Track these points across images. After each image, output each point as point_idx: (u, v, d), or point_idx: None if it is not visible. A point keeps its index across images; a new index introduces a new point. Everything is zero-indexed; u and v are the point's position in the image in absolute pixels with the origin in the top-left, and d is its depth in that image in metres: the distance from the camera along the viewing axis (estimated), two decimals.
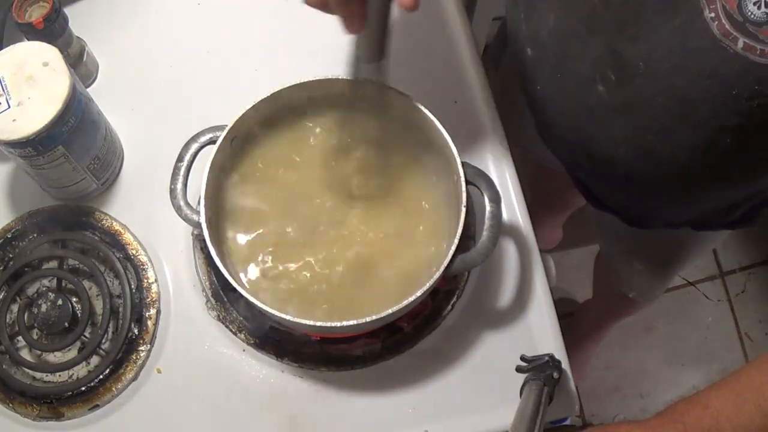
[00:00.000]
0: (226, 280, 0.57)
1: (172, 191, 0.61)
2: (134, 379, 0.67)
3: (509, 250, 0.71)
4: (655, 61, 0.51)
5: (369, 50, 0.57)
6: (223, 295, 0.68)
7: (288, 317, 0.56)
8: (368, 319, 0.56)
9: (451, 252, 0.57)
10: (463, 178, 0.59)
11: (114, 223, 0.72)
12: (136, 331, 0.68)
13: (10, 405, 0.65)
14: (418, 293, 0.56)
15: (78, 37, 0.75)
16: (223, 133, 0.61)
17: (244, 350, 0.68)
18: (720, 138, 0.52)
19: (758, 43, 0.45)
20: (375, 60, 0.57)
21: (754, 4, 0.44)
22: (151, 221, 0.72)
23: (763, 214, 0.70)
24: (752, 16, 0.45)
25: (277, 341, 0.67)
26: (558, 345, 0.68)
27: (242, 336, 0.67)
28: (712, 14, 0.46)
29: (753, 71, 0.46)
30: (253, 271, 0.62)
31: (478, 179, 0.60)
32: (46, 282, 0.70)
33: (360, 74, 0.59)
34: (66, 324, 0.66)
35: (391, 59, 0.58)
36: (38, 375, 0.67)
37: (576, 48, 0.57)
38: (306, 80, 0.63)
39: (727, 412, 0.49)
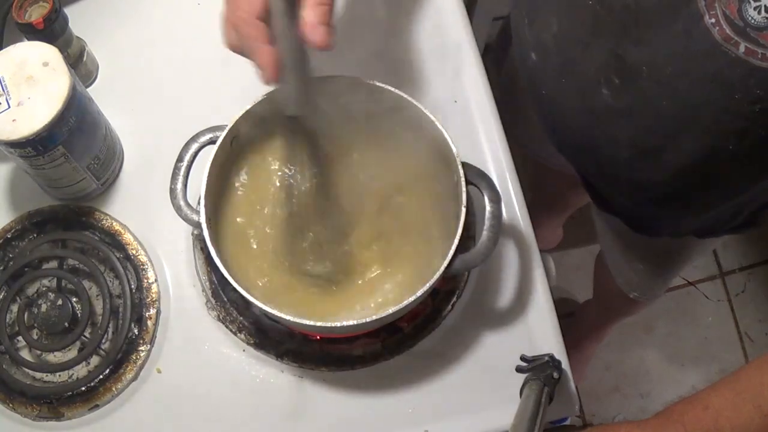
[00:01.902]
0: (226, 280, 0.57)
1: (172, 191, 0.61)
2: (134, 379, 0.67)
3: (509, 250, 0.71)
4: (658, 65, 0.51)
5: (295, 103, 0.53)
6: (223, 295, 0.68)
7: (288, 317, 0.56)
8: (368, 319, 0.56)
9: (451, 252, 0.57)
10: (463, 178, 0.59)
11: (114, 223, 0.72)
12: (136, 331, 0.68)
13: (10, 405, 0.65)
14: (418, 293, 0.56)
15: (78, 37, 0.75)
16: (223, 133, 0.61)
17: (244, 350, 0.68)
18: (723, 142, 0.52)
19: (759, 47, 0.45)
20: (303, 112, 0.53)
21: (755, 9, 0.44)
22: (151, 221, 0.72)
23: (764, 216, 0.70)
24: (753, 21, 0.45)
25: (277, 341, 0.67)
26: (558, 345, 0.68)
27: (242, 336, 0.67)
28: (713, 20, 0.46)
29: (755, 75, 0.46)
30: (254, 271, 0.62)
31: (478, 179, 0.60)
32: (46, 282, 0.70)
33: (289, 122, 0.55)
34: (66, 324, 0.66)
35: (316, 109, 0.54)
36: (38, 375, 0.67)
37: (580, 52, 0.57)
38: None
39: (726, 412, 0.49)
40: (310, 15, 0.47)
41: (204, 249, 0.70)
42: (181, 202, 0.61)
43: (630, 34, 0.52)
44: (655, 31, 0.50)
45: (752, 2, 0.44)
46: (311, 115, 0.55)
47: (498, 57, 0.96)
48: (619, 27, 0.52)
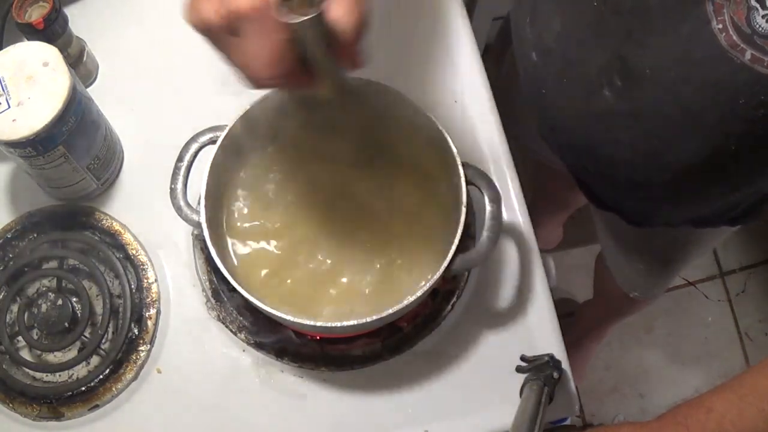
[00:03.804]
0: (226, 280, 0.57)
1: (173, 191, 0.61)
2: (134, 379, 0.67)
3: (509, 250, 0.71)
4: (661, 68, 0.51)
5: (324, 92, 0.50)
6: (223, 295, 0.68)
7: (288, 317, 0.56)
8: (368, 319, 0.56)
9: (451, 252, 0.57)
10: (463, 178, 0.59)
11: (114, 223, 0.72)
12: (136, 331, 0.68)
13: (10, 405, 0.65)
14: (418, 293, 0.56)
15: (78, 37, 0.75)
16: (224, 134, 0.61)
17: (244, 350, 0.68)
18: (725, 145, 0.52)
19: (765, 55, 0.45)
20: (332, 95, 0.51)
21: (763, 17, 0.44)
22: (151, 221, 0.72)
23: (764, 210, 0.70)
24: (760, 28, 0.44)
25: (277, 341, 0.67)
26: (558, 345, 0.68)
27: (242, 336, 0.67)
28: (720, 25, 0.46)
29: (760, 82, 0.46)
30: (254, 271, 0.62)
31: (478, 179, 0.60)
32: (46, 282, 0.70)
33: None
34: (66, 324, 0.66)
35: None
36: (38, 375, 0.67)
37: (582, 53, 0.57)
38: None
39: (730, 416, 0.48)
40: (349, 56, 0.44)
41: (204, 249, 0.70)
42: (182, 203, 0.61)
43: (634, 36, 0.51)
44: (661, 34, 0.49)
45: (760, 10, 0.44)
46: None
47: (498, 56, 0.96)
48: (623, 28, 0.52)
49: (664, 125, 0.54)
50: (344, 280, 0.62)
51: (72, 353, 0.67)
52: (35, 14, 0.69)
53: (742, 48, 0.45)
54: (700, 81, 0.49)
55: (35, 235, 0.71)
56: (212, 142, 0.62)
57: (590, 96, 0.58)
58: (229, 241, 0.63)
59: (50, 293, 0.67)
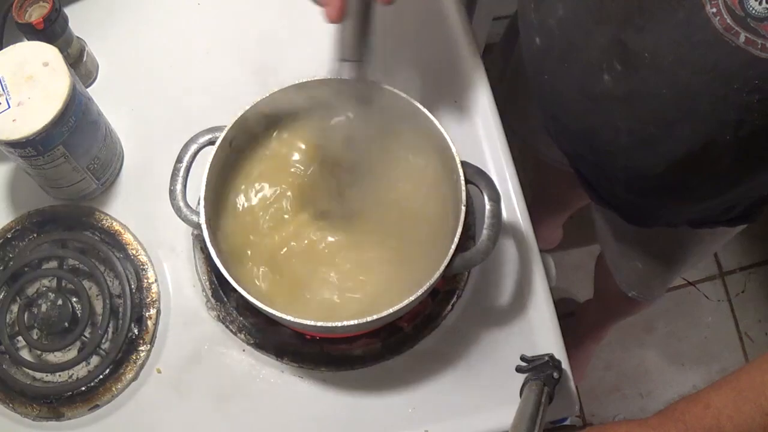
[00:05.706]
0: (226, 280, 0.57)
1: (172, 192, 0.61)
2: (134, 379, 0.67)
3: (509, 250, 0.71)
4: (659, 53, 0.51)
5: (350, 48, 0.56)
6: (223, 295, 0.68)
7: (288, 317, 0.56)
8: (368, 319, 0.56)
9: (451, 251, 0.57)
10: (462, 178, 0.59)
11: (114, 223, 0.72)
12: (136, 331, 0.68)
13: (10, 405, 0.65)
14: (418, 293, 0.56)
15: (78, 37, 0.75)
16: (222, 134, 0.61)
17: (244, 350, 0.68)
18: (720, 133, 0.52)
19: (759, 37, 0.45)
20: (356, 58, 0.56)
21: (756, 0, 0.45)
22: (151, 221, 0.72)
23: (762, 211, 0.71)
24: (753, 11, 0.45)
25: (277, 341, 0.67)
26: (558, 345, 0.68)
27: (242, 336, 0.67)
28: (714, 9, 0.46)
29: (754, 66, 0.46)
30: (254, 271, 0.62)
31: (477, 178, 0.61)
32: (46, 282, 0.70)
33: (342, 75, 0.58)
34: (66, 324, 0.66)
35: (373, 62, 0.57)
36: (38, 375, 0.67)
37: (583, 37, 0.58)
38: (305, 81, 0.63)
39: (728, 411, 0.49)
40: None
41: (204, 249, 0.70)
42: (181, 203, 0.61)
43: (633, 21, 0.52)
44: (658, 19, 0.50)
45: None
46: (360, 70, 0.57)
47: (505, 48, 0.96)
48: (622, 13, 0.53)
49: (660, 111, 0.55)
50: (342, 279, 0.62)
51: (72, 353, 0.67)
52: (35, 14, 0.69)
53: (736, 31, 0.46)
54: (695, 65, 0.49)
55: (35, 235, 0.71)
56: (211, 143, 0.62)
57: (590, 80, 0.59)
58: (229, 240, 0.63)
59: (50, 293, 0.67)
